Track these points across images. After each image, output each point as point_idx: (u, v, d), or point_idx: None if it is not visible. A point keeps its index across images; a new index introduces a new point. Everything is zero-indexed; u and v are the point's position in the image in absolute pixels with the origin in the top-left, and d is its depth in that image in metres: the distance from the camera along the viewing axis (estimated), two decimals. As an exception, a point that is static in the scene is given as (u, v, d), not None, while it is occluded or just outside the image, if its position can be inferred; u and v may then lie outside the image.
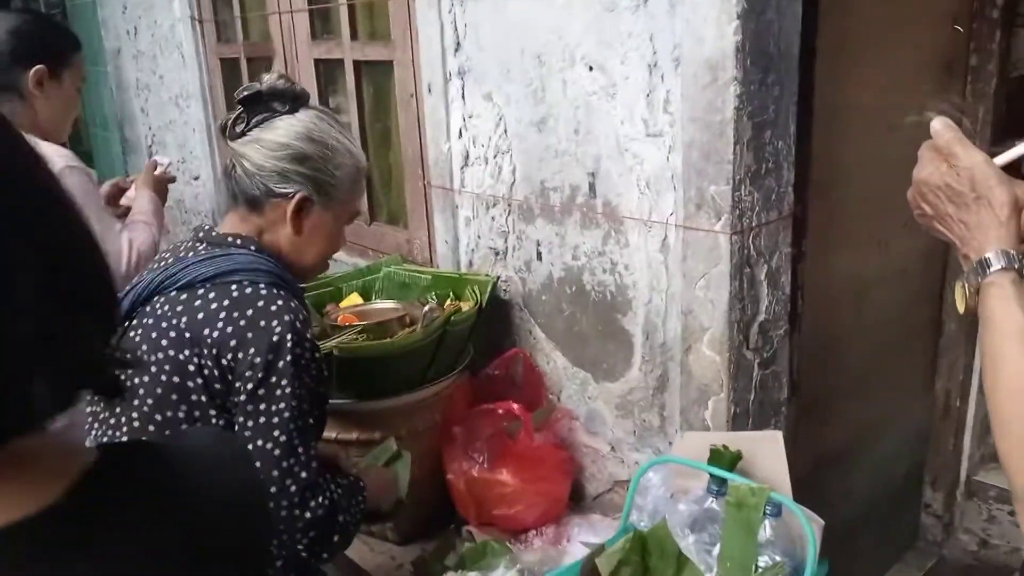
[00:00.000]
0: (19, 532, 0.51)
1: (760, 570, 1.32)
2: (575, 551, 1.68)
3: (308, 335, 1.25)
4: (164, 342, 1.23)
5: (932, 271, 2.30)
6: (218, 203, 3.27)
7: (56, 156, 1.76)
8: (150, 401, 1.24)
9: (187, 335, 1.22)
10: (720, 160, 1.49)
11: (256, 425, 1.21)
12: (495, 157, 1.96)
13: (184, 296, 1.25)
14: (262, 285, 1.25)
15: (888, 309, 2.14)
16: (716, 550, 1.39)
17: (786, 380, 1.73)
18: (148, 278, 1.31)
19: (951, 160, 0.91)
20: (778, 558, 1.33)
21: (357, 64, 2.44)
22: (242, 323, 1.21)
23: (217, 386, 1.22)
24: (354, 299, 2.13)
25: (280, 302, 1.23)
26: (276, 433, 1.20)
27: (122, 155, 4.06)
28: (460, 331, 1.89)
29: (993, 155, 0.93)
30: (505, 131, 1.91)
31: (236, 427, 1.22)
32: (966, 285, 0.89)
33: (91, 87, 3.93)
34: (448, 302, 2.02)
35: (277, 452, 1.20)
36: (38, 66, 1.84)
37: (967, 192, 0.89)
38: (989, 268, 0.86)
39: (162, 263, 1.33)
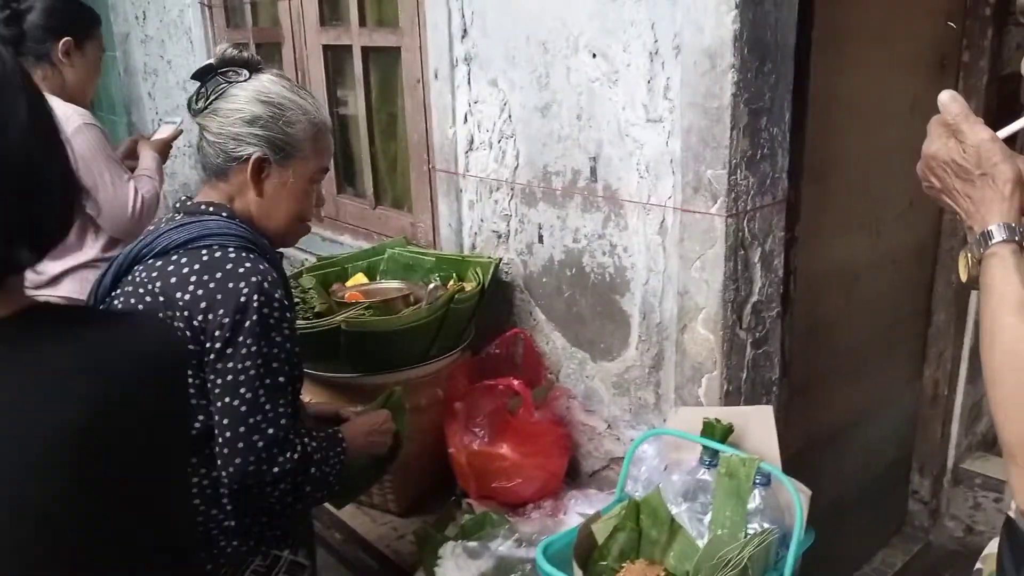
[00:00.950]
0: None
1: (749, 536, 1.38)
2: (572, 522, 1.74)
3: (277, 295, 1.29)
4: (141, 307, 1.30)
5: (923, 262, 2.36)
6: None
7: (76, 115, 2.06)
8: None
9: (161, 299, 1.28)
10: (717, 145, 1.54)
11: (224, 383, 1.26)
12: (499, 142, 2.01)
13: (159, 263, 1.31)
14: (231, 249, 1.31)
15: (879, 297, 2.19)
16: (707, 518, 1.45)
17: (778, 360, 1.78)
18: (127, 250, 1.38)
19: (958, 136, 0.95)
20: (767, 525, 1.39)
21: (365, 50, 2.49)
22: (211, 285, 1.26)
23: (191, 347, 1.27)
24: (359, 279, 2.19)
25: (248, 264, 1.29)
26: (243, 391, 1.25)
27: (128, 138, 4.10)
28: (463, 310, 1.94)
29: (996, 128, 0.97)
30: (509, 116, 1.96)
31: (208, 385, 1.28)
32: (969, 255, 0.95)
33: (99, 71, 3.97)
34: (451, 283, 2.07)
35: (244, 408, 1.25)
36: (65, 38, 2.11)
37: (973, 169, 0.94)
38: (991, 240, 0.91)
39: (144, 236, 1.39)
